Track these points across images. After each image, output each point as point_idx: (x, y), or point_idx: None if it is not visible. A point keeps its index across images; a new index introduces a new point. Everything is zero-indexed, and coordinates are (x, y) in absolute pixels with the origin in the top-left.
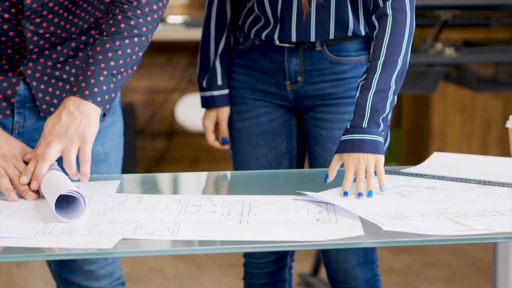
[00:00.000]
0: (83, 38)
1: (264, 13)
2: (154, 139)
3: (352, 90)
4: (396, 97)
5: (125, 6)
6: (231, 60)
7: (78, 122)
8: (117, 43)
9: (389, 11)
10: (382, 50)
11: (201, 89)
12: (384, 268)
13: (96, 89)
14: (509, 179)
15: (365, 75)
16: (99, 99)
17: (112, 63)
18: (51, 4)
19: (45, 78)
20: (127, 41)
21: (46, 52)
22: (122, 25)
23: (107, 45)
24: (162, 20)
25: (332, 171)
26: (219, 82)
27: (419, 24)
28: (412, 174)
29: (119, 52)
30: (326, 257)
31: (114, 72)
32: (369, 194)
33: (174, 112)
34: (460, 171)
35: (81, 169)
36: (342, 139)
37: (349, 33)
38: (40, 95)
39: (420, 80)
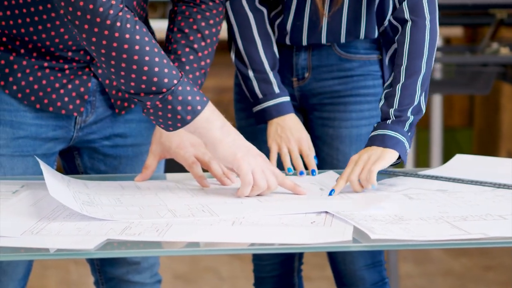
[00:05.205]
0: None
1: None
2: None
3: (360, 88)
4: (423, 101)
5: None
6: None
7: None
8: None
9: (407, 16)
10: (404, 56)
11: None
12: (443, 271)
13: None
14: None
15: (390, 82)
16: None
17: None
18: None
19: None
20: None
21: None
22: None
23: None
24: None
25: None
26: (276, 90)
27: (474, 23)
28: (427, 176)
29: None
30: (332, 259)
31: None
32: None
33: None
34: (479, 173)
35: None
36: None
37: (361, 37)
38: (113, 92)
39: (474, 80)
